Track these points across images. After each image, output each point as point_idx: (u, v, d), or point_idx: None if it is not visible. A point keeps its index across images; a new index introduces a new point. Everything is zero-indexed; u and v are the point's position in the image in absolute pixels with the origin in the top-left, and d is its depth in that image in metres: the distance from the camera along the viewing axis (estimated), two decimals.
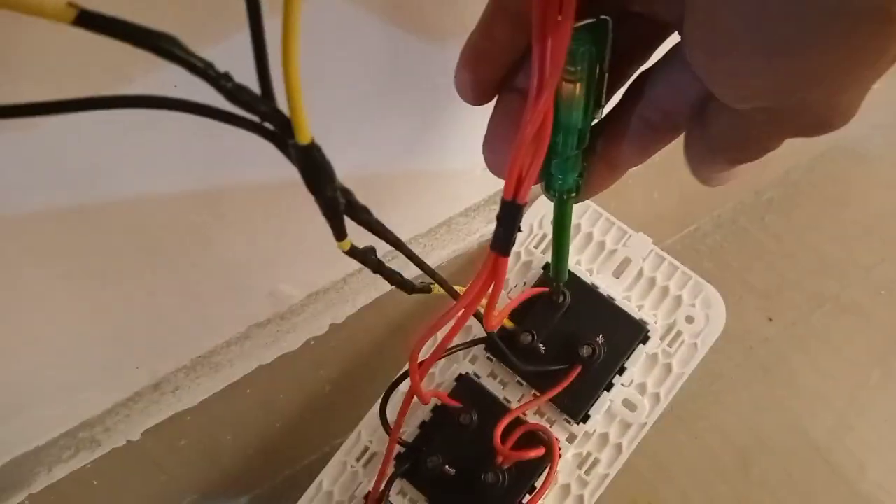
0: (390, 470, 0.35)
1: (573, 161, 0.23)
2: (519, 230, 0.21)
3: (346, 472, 0.37)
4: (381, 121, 0.30)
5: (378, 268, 0.23)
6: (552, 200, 0.25)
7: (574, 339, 0.34)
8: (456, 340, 0.29)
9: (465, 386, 0.36)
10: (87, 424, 0.35)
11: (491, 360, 0.36)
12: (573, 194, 0.24)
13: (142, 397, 0.36)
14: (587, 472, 0.35)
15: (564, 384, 0.34)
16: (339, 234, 0.19)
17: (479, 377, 0.36)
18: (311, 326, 0.38)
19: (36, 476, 0.35)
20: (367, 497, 0.35)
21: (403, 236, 0.22)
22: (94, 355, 0.31)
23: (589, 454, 0.35)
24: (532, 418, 0.35)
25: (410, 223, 0.38)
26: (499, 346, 0.33)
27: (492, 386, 0.36)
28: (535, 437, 0.34)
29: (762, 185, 0.49)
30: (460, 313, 0.26)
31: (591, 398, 0.35)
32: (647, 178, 0.44)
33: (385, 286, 0.34)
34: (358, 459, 0.37)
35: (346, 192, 0.18)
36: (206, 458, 0.39)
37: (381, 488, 0.34)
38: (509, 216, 0.21)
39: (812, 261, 0.46)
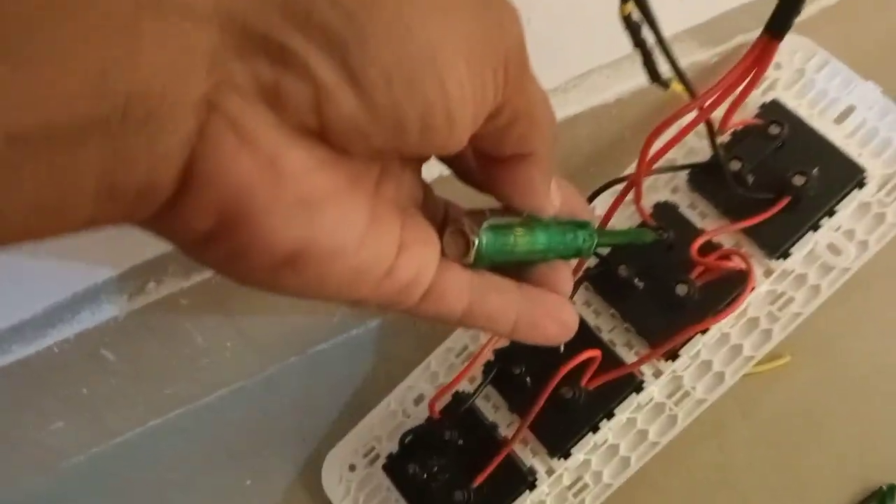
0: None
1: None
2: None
3: None
4: None
5: (639, 41, 0.25)
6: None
7: (785, 173, 0.34)
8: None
9: (664, 212, 0.37)
10: None
11: (693, 190, 0.37)
12: (591, 241, 0.25)
13: None
14: (780, 309, 0.35)
15: (770, 212, 0.34)
16: None
17: (678, 207, 0.37)
18: None
19: None
20: None
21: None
22: None
23: (783, 293, 0.35)
24: None
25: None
26: (716, 164, 0.34)
27: (690, 216, 0.37)
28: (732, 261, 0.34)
29: None
30: (717, 95, 0.27)
31: (795, 235, 0.35)
32: None
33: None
34: None
35: None
36: None
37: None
38: None
39: None
